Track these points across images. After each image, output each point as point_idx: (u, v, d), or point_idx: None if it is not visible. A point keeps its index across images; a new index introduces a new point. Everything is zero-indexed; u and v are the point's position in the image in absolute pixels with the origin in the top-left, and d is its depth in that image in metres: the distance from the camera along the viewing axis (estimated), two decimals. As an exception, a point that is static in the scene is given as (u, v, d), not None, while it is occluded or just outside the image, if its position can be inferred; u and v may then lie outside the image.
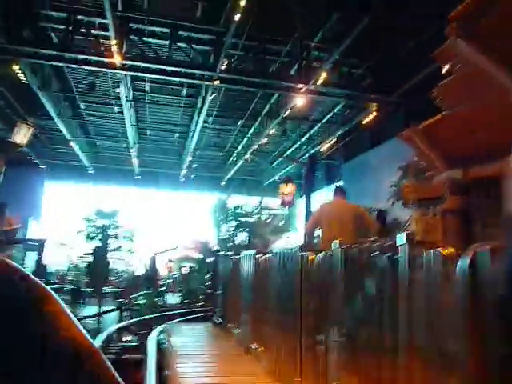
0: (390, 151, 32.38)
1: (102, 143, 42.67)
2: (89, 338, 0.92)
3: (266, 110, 33.45)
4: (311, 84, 24.49)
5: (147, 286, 27.80)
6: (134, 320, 14.63)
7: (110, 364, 0.94)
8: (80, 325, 0.92)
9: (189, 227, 49.22)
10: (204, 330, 12.46)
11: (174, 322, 14.18)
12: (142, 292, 24.31)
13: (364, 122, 32.29)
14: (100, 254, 25.31)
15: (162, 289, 28.83)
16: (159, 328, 11.75)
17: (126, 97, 28.19)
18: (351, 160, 39.95)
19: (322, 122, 35.57)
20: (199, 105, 30.57)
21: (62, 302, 0.96)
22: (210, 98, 28.48)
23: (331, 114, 34.08)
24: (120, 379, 0.93)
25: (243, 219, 48.30)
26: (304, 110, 35.02)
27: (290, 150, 43.10)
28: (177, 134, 39.81)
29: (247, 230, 47.55)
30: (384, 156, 32.27)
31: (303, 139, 39.81)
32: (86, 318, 14.12)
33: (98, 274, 22.02)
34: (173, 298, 28.07)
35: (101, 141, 42.05)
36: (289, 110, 31.43)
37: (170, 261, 38.44)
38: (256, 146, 39.40)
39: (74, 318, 0.93)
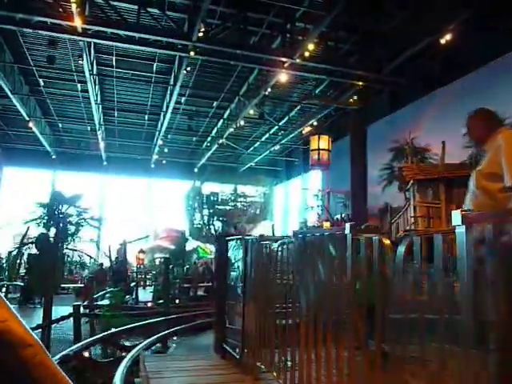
0: (374, 135, 30.89)
1: (65, 125, 39.41)
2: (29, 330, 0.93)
3: (243, 90, 31.17)
4: (296, 57, 22.37)
5: (115, 280, 25.29)
6: (92, 339, 10.75)
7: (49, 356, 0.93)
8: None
9: (161, 216, 46.61)
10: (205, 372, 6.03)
11: (154, 339, 11.32)
12: (108, 289, 21.71)
13: (351, 101, 30.60)
14: (47, 244, 21.38)
15: (132, 284, 26.25)
16: (127, 361, 7.96)
17: (90, 70, 25.31)
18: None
19: (303, 103, 33.63)
20: (172, 82, 28.02)
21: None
22: (183, 74, 25.99)
23: (313, 94, 32.18)
24: (60, 370, 0.93)
25: (218, 207, 46.33)
26: (285, 91, 33.08)
27: (267, 135, 41.05)
28: (147, 116, 37.03)
29: (222, 218, 45.59)
30: (369, 139, 30.71)
31: (281, 122, 37.74)
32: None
33: (45, 268, 18.52)
34: (146, 295, 25.45)
35: (63, 123, 38.79)
36: (269, 90, 29.35)
37: (142, 251, 35.79)
38: (232, 130, 37.14)
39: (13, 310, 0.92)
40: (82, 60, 23.80)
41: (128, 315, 13.63)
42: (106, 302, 17.14)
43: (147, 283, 33.96)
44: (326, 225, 21.05)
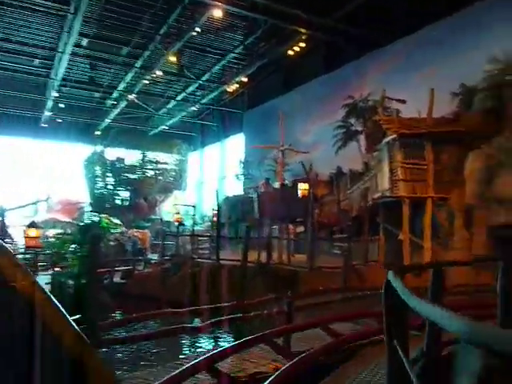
0: (304, 96, 27.92)
1: None
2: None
3: (162, 32, 25.84)
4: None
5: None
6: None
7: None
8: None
9: (56, 184, 39.34)
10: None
11: None
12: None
13: (281, 58, 27.12)
14: None
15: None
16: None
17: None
18: (258, 107, 34.79)
19: (230, 56, 29.34)
20: (72, 10, 21.88)
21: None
22: (86, 2, 20.31)
23: (242, 46, 28.08)
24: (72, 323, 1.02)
25: (125, 175, 40.60)
26: (210, 39, 28.52)
27: (183, 93, 36.07)
28: (38, 61, 29.90)
29: (130, 187, 40.04)
30: (298, 101, 27.66)
31: (203, 78, 33.03)
32: None
33: None
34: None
35: None
36: (194, 33, 24.62)
37: (33, 226, 29.04)
38: (146, 83, 31.72)
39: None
40: None
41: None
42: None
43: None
44: (305, 186, 17.54)
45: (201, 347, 9.18)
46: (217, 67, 31.21)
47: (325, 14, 22.03)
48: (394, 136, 14.30)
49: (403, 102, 15.82)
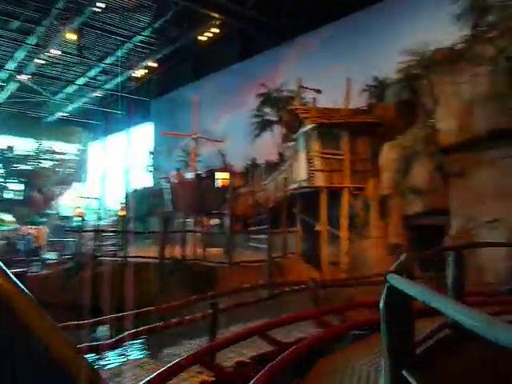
0: (217, 84, 27.09)
1: None
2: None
3: (59, 5, 23.18)
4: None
5: None
6: None
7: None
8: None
9: None
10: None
11: None
12: None
13: (193, 44, 25.91)
14: None
15: None
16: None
17: None
18: (168, 94, 33.09)
19: (137, 39, 27.39)
20: None
21: None
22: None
23: (150, 29, 26.33)
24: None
25: (16, 166, 36.30)
26: (114, 19, 26.33)
27: (84, 77, 33.14)
28: None
29: (23, 179, 35.90)
30: (211, 90, 26.75)
31: (107, 61, 30.56)
32: None
33: None
34: None
35: None
36: (95, 9, 22.49)
37: None
38: (41, 63, 28.54)
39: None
40: None
41: None
42: None
43: None
44: (225, 175, 16.46)
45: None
46: (122, 50, 29.04)
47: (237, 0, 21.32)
48: (312, 125, 14.03)
49: (319, 91, 15.68)
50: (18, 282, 1.05)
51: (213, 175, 18.10)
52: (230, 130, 22.06)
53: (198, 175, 18.86)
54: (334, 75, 18.08)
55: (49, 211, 34.71)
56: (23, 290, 1.06)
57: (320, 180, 13.96)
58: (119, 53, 29.37)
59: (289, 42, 23.13)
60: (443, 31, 12.22)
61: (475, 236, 10.57)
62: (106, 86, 34.04)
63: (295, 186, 15.18)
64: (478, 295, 6.99)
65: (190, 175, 19.54)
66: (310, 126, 14.08)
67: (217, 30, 22.99)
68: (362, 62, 17.86)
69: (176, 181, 19.03)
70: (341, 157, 13.96)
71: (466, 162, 10.94)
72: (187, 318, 6.20)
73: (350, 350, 5.28)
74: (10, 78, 31.56)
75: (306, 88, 15.85)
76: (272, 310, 8.76)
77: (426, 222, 11.87)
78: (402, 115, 13.36)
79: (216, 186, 17.63)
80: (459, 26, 12.44)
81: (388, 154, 12.92)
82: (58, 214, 31.33)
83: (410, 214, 12.26)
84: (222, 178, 17.16)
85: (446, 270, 4.60)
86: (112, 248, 18.88)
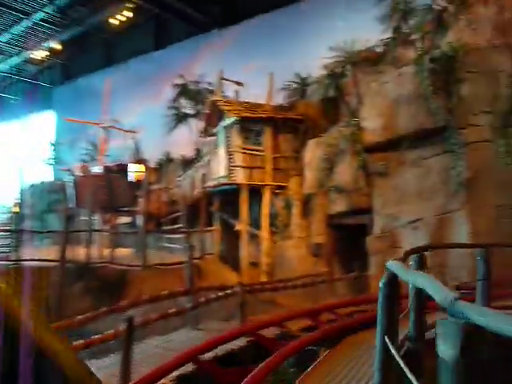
0: (130, 73, 25.27)
1: None
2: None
3: None
4: None
5: None
6: None
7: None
8: None
9: None
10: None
11: None
12: None
13: (103, 28, 23.85)
14: None
15: None
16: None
17: None
18: (74, 81, 30.20)
19: (37, 16, 24.54)
20: None
21: None
22: None
23: (52, 6, 23.68)
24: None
25: None
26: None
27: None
28: None
29: None
30: (123, 78, 24.89)
31: (0, 39, 27.07)
32: None
33: None
34: None
35: None
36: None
37: None
38: None
39: None
40: None
41: None
42: None
43: None
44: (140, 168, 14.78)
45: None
46: (19, 27, 25.94)
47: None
48: (234, 119, 13.28)
49: (240, 84, 14.98)
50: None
51: (124, 168, 16.57)
52: (143, 122, 20.46)
53: (106, 168, 17.13)
54: (254, 71, 17.55)
55: None
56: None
57: (241, 177, 13.26)
58: (15, 30, 26.24)
59: (208, 34, 22.26)
60: (369, 31, 12.20)
61: (398, 236, 10.56)
62: (0, 68, 30.35)
63: (214, 182, 14.32)
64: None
65: (97, 168, 17.67)
66: (231, 120, 13.32)
67: (130, 14, 21.33)
68: (284, 59, 17.53)
69: (81, 174, 17.04)
70: (263, 153, 13.40)
71: (389, 162, 10.92)
72: (96, 337, 5.07)
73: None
74: None
75: (227, 80, 15.06)
76: (194, 318, 7.86)
77: (349, 221, 11.73)
78: (325, 113, 13.15)
79: (129, 179, 16.12)
80: (383, 27, 12.53)
81: (313, 152, 12.60)
82: None
83: (334, 214, 12.04)
84: (136, 170, 15.72)
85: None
86: (3, 250, 16.50)
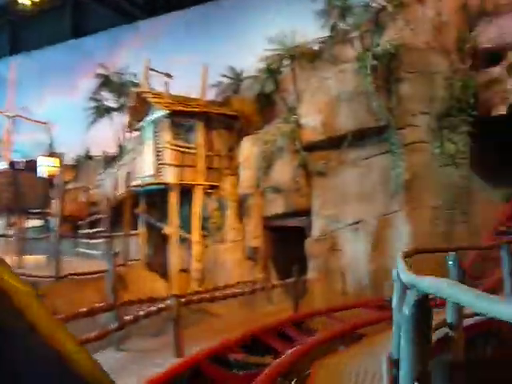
0: (42, 62, 22.95)
1: None
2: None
3: None
4: None
5: None
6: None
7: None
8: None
9: None
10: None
11: None
12: None
13: (8, 10, 21.43)
14: None
15: None
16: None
17: None
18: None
19: None
20: None
21: None
22: None
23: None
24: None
25: None
26: None
27: None
28: None
29: None
30: (33, 67, 22.54)
31: None
32: None
33: None
34: None
35: None
36: None
37: None
38: None
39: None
40: None
41: None
42: None
43: None
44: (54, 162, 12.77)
45: None
46: None
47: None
48: (163, 113, 12.16)
49: (170, 76, 13.84)
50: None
51: (35, 165, 14.66)
52: (59, 115, 18.43)
53: (12, 164, 15.02)
54: (187, 65, 16.55)
55: None
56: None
57: (170, 176, 12.15)
58: None
59: (133, 23, 20.84)
60: (308, 25, 11.76)
61: (338, 238, 10.14)
62: None
63: (140, 182, 13.05)
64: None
65: (0, 164, 15.42)
66: (160, 114, 12.18)
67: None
68: (220, 52, 16.69)
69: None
70: (194, 151, 12.41)
71: (330, 161, 10.49)
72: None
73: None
74: None
75: (155, 71, 13.85)
76: (117, 338, 6.73)
77: (287, 223, 11.13)
78: (261, 109, 12.50)
79: (39, 176, 14.23)
80: (321, 24, 12.17)
81: (248, 150, 11.87)
82: None
83: (271, 215, 11.38)
84: (48, 165, 13.90)
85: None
86: None
